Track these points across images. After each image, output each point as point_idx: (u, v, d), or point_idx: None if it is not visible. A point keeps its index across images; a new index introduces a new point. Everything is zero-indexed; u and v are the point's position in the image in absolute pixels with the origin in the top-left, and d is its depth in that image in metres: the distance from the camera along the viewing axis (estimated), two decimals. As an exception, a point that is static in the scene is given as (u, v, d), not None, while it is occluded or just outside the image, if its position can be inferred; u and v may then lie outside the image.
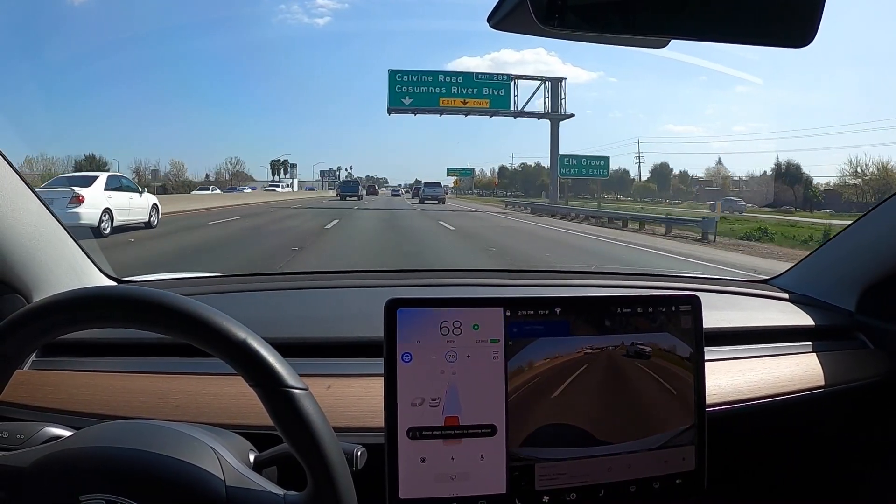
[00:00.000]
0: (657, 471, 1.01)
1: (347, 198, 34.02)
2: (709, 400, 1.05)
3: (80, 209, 11.40)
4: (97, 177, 13.12)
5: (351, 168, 66.20)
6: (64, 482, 0.79)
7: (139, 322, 0.79)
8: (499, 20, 0.83)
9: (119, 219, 12.58)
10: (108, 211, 12.18)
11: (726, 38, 0.85)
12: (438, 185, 37.59)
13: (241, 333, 0.77)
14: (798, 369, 1.36)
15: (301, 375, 0.78)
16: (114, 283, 1.48)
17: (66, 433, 0.90)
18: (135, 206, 13.54)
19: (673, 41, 0.87)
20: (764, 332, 1.46)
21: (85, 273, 1.41)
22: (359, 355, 1.22)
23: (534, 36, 0.85)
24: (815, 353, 1.42)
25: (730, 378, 1.28)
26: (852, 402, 1.41)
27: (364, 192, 40.90)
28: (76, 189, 11.75)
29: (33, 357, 1.21)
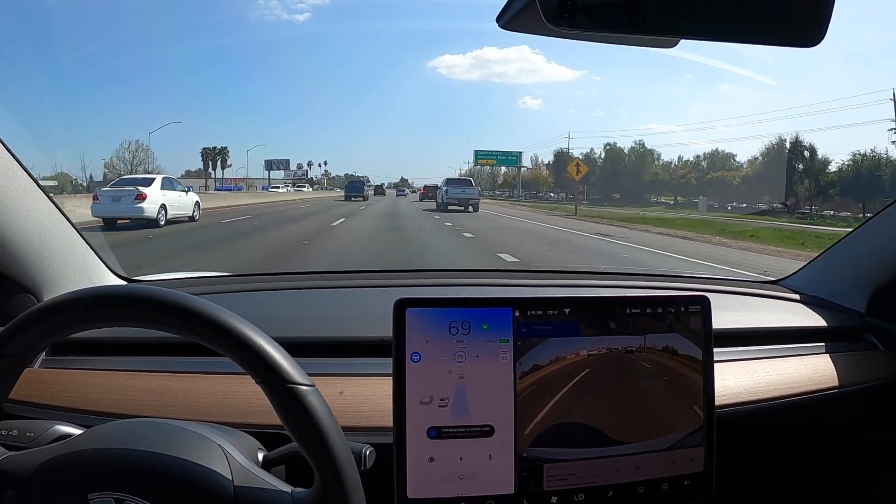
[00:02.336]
0: (666, 472, 1.01)
1: (353, 198, 32.58)
2: (718, 401, 1.05)
3: (143, 204, 13.84)
4: (154, 178, 15.61)
5: (326, 163, 61.32)
6: (73, 480, 0.79)
7: (147, 321, 0.79)
8: (508, 20, 0.83)
9: (171, 213, 14.76)
10: (163, 206, 14.43)
11: (735, 38, 0.85)
12: (469, 182, 27.79)
13: (248, 331, 0.77)
14: (807, 370, 1.35)
15: (310, 375, 0.78)
16: (123, 283, 1.49)
17: (76, 431, 0.90)
18: (182, 202, 15.86)
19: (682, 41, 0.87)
20: (773, 333, 1.46)
21: (95, 272, 1.42)
22: (368, 355, 1.23)
23: (542, 36, 0.85)
24: (824, 355, 1.41)
25: (739, 379, 1.27)
26: (862, 403, 1.40)
27: (371, 192, 40.27)
28: (139, 188, 14.15)
29: (43, 356, 1.22)
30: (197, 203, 16.56)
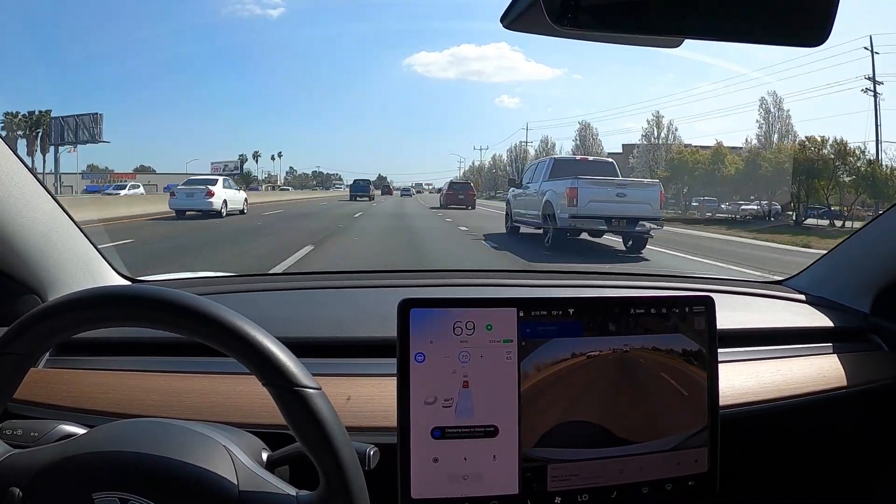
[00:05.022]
0: (670, 472, 1.01)
1: (358, 198, 31.48)
2: (722, 401, 1.05)
3: (212, 199, 17.61)
4: (217, 179, 19.45)
5: (280, 155, 53.24)
6: (77, 480, 0.79)
7: (152, 321, 0.79)
8: (512, 20, 0.83)
9: (230, 207, 18.44)
10: (225, 201, 18.14)
11: (740, 37, 0.85)
12: (611, 166, 13.80)
13: (255, 332, 0.77)
14: (812, 371, 1.35)
15: (314, 375, 0.78)
16: (127, 283, 1.49)
17: (80, 431, 0.90)
18: (237, 198, 19.76)
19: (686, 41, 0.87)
20: (777, 334, 1.46)
21: (99, 272, 1.42)
22: (372, 355, 1.23)
23: (546, 36, 0.85)
24: (828, 355, 1.41)
25: (743, 379, 1.27)
26: (866, 404, 1.39)
27: (377, 192, 39.27)
28: (209, 187, 18.02)
29: (47, 355, 1.22)
30: (245, 199, 20.68)
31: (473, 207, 22.42)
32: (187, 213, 17.57)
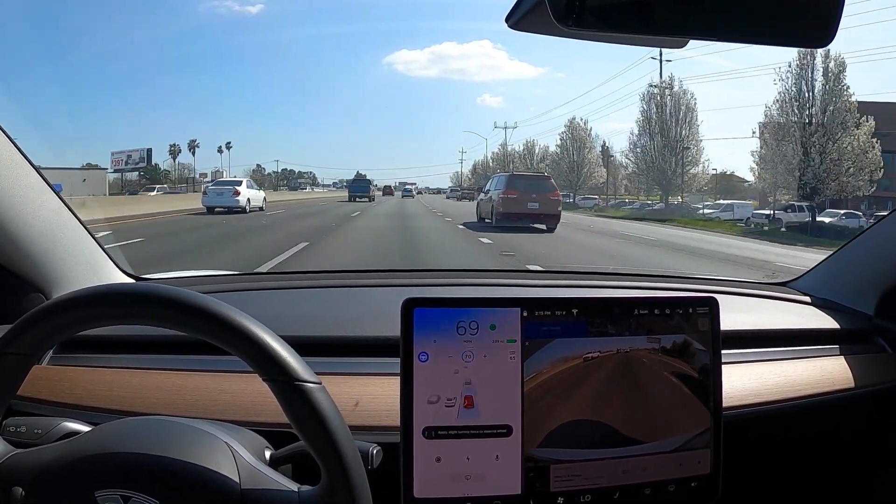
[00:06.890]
0: (672, 474, 1.01)
1: (357, 198, 29.98)
2: (725, 403, 1.05)
3: (238, 198, 20.26)
4: (242, 181, 22.49)
5: (230, 146, 43.81)
6: (80, 478, 0.79)
7: (154, 318, 0.79)
8: (517, 20, 0.82)
9: (252, 204, 20.94)
10: (248, 199, 20.82)
11: (745, 38, 0.84)
12: None
13: (254, 328, 0.77)
14: (815, 373, 1.34)
15: (318, 374, 0.79)
16: (131, 281, 1.49)
17: (84, 428, 0.91)
18: (257, 196, 22.31)
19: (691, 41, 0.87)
20: (781, 335, 1.45)
21: (103, 270, 1.43)
22: (375, 354, 1.23)
23: (551, 36, 0.85)
24: (832, 357, 1.41)
25: (746, 381, 1.26)
26: (870, 406, 1.39)
27: (379, 192, 38.33)
28: (235, 187, 21.08)
29: (51, 353, 1.22)
30: (264, 198, 23.16)
31: (554, 229, 12.93)
32: (216, 209, 20.12)
